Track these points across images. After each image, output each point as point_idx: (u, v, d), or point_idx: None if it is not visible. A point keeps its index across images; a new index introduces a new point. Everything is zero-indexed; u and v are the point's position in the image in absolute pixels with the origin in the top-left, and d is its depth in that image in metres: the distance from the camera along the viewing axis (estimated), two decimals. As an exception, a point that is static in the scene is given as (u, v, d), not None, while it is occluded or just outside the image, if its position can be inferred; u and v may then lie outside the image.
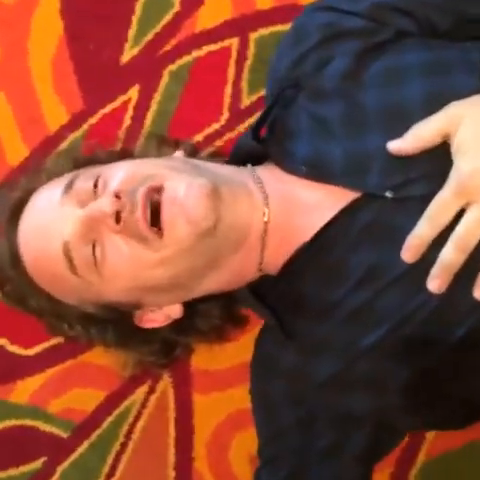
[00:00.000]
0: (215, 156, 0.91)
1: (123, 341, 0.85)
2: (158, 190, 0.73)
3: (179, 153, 0.85)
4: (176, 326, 0.83)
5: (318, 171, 0.76)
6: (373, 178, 0.73)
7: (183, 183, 0.72)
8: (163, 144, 0.89)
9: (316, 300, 0.77)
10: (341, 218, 0.74)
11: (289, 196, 0.77)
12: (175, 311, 0.82)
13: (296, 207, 0.77)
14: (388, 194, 0.72)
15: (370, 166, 0.74)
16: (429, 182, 0.71)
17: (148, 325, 0.83)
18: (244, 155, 0.83)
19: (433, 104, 0.72)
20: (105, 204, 0.72)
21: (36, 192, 0.81)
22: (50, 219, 0.77)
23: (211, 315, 0.85)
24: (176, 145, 0.89)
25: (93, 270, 0.75)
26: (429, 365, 0.73)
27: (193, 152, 0.89)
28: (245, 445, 0.99)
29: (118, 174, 0.75)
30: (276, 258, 0.78)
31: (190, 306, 0.82)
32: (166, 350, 0.86)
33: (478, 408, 0.78)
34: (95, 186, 0.75)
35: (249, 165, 0.81)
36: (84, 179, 0.77)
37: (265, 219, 0.76)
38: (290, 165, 0.78)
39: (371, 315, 0.74)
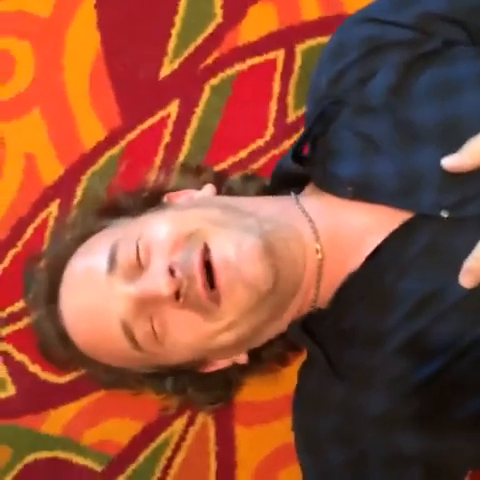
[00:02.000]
0: (250, 179, 0.86)
1: (182, 391, 0.82)
2: (206, 250, 0.69)
3: (209, 188, 0.80)
4: (240, 366, 0.80)
5: (366, 191, 0.71)
6: (427, 197, 0.69)
7: (230, 243, 0.68)
8: (186, 173, 0.85)
9: (367, 330, 0.72)
10: (392, 241, 0.69)
11: (338, 224, 0.73)
12: (241, 358, 0.79)
13: (347, 235, 0.72)
14: (444, 214, 0.67)
15: (423, 184, 0.69)
16: None
17: (211, 369, 0.80)
18: (285, 178, 0.78)
19: None
20: (162, 285, 0.68)
21: (70, 264, 0.77)
22: (100, 298, 0.72)
23: (272, 345, 0.81)
24: (198, 172, 0.85)
25: (155, 343, 0.72)
26: None
27: (220, 179, 0.84)
28: (292, 482, 0.92)
29: (159, 236, 0.71)
30: (329, 291, 0.74)
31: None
32: (225, 393, 0.82)
33: None
34: (137, 252, 0.71)
35: (293, 194, 0.76)
36: (125, 246, 0.72)
37: (319, 256, 0.72)
38: (335, 187, 0.73)
39: (426, 345, 0.69)
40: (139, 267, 0.71)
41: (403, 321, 0.69)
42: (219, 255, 0.68)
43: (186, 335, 0.71)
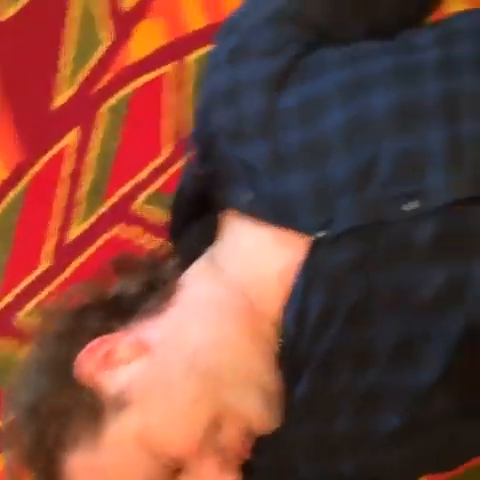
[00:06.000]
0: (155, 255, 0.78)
1: None
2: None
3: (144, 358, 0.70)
4: None
5: (260, 215, 0.69)
6: (304, 219, 0.68)
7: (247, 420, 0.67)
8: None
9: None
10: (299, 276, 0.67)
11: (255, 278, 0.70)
12: None
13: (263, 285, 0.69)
14: (319, 234, 0.66)
15: (297, 208, 0.68)
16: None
17: None
18: (187, 213, 0.75)
19: (352, 132, 0.66)
20: None
21: None
22: None
23: None
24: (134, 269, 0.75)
25: None
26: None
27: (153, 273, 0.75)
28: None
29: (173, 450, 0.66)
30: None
31: None
32: None
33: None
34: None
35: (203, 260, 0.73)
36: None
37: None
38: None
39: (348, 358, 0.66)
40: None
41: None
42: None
43: None
